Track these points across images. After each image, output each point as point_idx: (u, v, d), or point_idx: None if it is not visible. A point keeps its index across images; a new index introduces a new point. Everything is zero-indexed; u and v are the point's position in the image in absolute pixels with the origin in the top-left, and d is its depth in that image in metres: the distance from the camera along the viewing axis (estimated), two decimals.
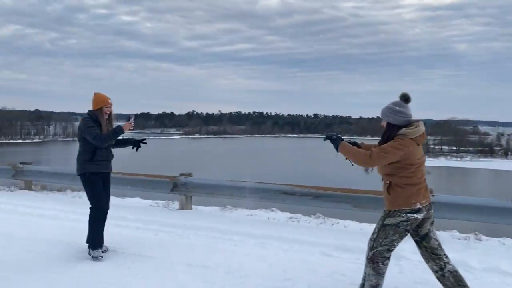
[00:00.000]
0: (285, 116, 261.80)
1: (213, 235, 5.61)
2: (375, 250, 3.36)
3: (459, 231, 6.04)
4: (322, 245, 5.18)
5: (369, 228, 5.90)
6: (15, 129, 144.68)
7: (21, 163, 9.16)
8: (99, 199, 4.69)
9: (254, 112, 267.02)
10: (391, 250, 3.36)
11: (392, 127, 3.32)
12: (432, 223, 3.43)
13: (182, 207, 7.34)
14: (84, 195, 8.53)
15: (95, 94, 4.73)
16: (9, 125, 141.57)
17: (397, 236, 3.31)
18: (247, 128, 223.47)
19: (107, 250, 4.83)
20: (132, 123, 4.66)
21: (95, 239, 4.64)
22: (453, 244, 5.31)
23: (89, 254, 4.62)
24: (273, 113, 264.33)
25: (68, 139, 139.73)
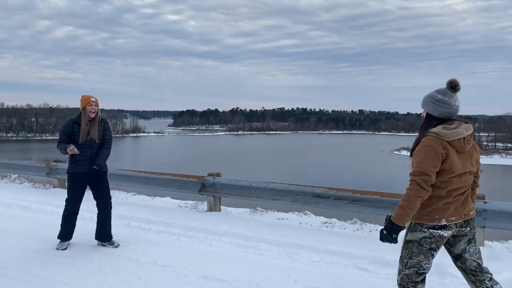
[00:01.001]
0: (329, 112, 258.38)
1: (238, 242, 5.18)
2: (402, 274, 2.77)
3: None
4: (357, 257, 4.61)
5: None
6: None
7: (54, 161, 9.18)
8: (69, 199, 4.92)
9: (297, 108, 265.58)
10: (421, 274, 2.74)
11: (431, 119, 2.71)
12: (470, 241, 2.78)
13: (210, 209, 6.98)
14: (114, 193, 8.43)
15: (82, 96, 4.88)
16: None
17: (422, 256, 2.69)
18: (291, 125, 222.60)
19: (118, 245, 4.97)
20: (74, 150, 4.72)
21: (61, 232, 4.95)
22: (510, 259, 4.57)
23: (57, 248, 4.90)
24: (317, 109, 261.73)
25: (117, 135, 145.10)
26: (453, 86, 2.69)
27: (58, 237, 4.93)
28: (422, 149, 2.61)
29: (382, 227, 2.72)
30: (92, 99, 4.78)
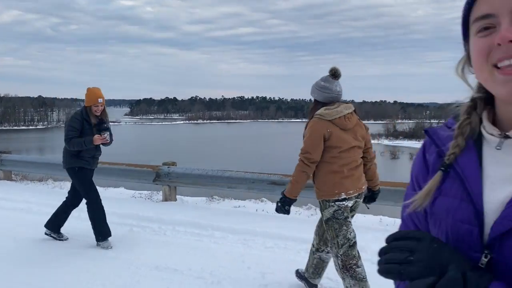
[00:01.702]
0: (288, 100, 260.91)
1: (192, 231, 5.13)
2: (341, 257, 2.99)
3: None
4: (310, 241, 4.66)
5: (376, 223, 5.41)
6: (18, 115, 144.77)
7: (0, 152, 8.70)
8: (92, 190, 4.65)
9: (257, 97, 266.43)
10: (353, 244, 3.01)
11: (317, 104, 3.06)
12: (353, 211, 3.17)
13: (165, 199, 6.87)
14: (64, 184, 8.11)
15: (88, 89, 4.62)
16: (13, 111, 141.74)
17: (344, 227, 2.98)
18: (250, 113, 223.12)
19: (67, 238, 4.79)
20: (107, 138, 4.51)
21: (102, 229, 4.59)
22: None
23: (99, 245, 4.57)
24: (277, 98, 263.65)
25: None
26: (334, 74, 3.04)
27: (104, 236, 4.58)
28: (308, 130, 2.98)
29: (286, 202, 3.12)
30: (99, 100, 4.55)
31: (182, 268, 3.92)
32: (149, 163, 7.52)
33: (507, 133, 0.82)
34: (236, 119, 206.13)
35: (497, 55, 0.75)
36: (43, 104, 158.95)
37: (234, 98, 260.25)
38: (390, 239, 0.85)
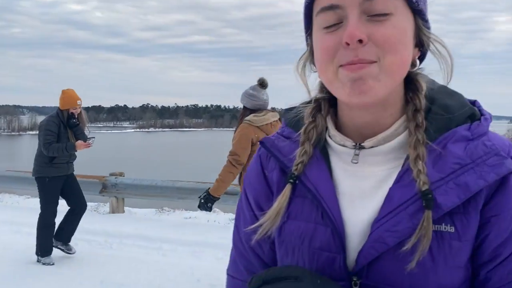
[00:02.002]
0: None
1: (140, 243, 4.99)
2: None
3: None
4: None
5: None
6: None
7: None
8: (51, 203, 4.41)
9: (211, 105, 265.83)
10: None
11: (246, 110, 3.26)
12: None
13: (112, 210, 6.65)
14: (4, 197, 7.66)
15: (63, 92, 4.42)
16: None
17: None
18: (205, 122, 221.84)
19: (75, 252, 4.53)
20: (90, 145, 4.40)
21: (45, 245, 4.36)
22: None
23: (39, 261, 4.32)
24: (231, 107, 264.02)
25: (13, 133, 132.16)
26: (261, 84, 3.30)
27: (45, 253, 4.33)
28: (237, 134, 3.21)
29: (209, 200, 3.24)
30: (78, 102, 4.36)
31: (129, 282, 3.80)
32: (96, 173, 7.25)
33: (362, 144, 0.71)
34: (189, 128, 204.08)
35: (346, 57, 0.64)
36: None
37: (187, 106, 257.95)
38: (259, 283, 0.69)
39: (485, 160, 0.65)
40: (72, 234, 4.54)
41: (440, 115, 0.70)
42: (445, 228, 0.65)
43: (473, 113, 0.71)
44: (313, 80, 0.79)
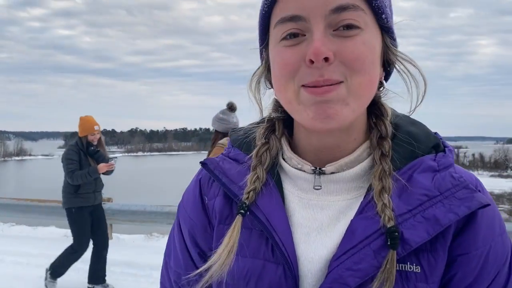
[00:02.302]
0: None
1: (129, 271, 4.90)
2: None
3: None
4: None
5: None
6: None
7: None
8: (82, 235, 4.31)
9: (200, 128, 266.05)
10: None
11: (218, 134, 3.33)
12: None
13: None
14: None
15: (80, 119, 4.39)
16: None
17: None
18: (194, 145, 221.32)
19: None
20: (113, 166, 4.34)
21: (59, 269, 4.31)
22: None
23: (46, 285, 4.29)
24: None
25: None
26: (230, 107, 3.39)
27: (55, 275, 4.31)
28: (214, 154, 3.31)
29: None
30: (95, 127, 4.31)
31: None
32: None
33: (322, 169, 0.64)
34: (178, 151, 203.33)
35: (309, 77, 0.56)
36: None
37: (176, 129, 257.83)
38: None
39: (453, 192, 0.59)
40: (104, 272, 4.43)
41: (406, 143, 0.64)
42: (410, 268, 0.58)
43: (437, 143, 0.65)
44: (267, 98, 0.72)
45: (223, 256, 0.62)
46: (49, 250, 5.65)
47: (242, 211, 0.63)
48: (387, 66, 0.65)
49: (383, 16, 0.60)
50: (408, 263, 0.58)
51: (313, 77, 0.56)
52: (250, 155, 0.68)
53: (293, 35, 0.58)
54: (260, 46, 0.67)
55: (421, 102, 0.65)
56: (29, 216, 7.23)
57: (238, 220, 0.63)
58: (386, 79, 0.67)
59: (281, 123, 0.70)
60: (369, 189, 0.61)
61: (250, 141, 0.70)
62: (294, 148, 0.68)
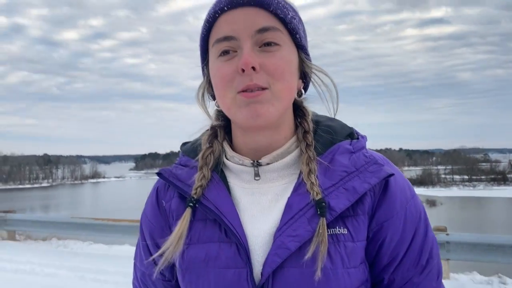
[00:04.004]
0: None
1: None
2: None
3: (479, 273, 5.32)
4: None
5: None
6: (23, 174, 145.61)
7: (3, 211, 8.61)
8: None
9: None
10: None
11: None
12: None
13: None
14: (68, 243, 7.96)
15: None
16: (18, 170, 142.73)
17: None
18: None
19: None
20: None
21: None
22: None
23: None
24: None
25: (76, 182, 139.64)
26: None
27: None
28: None
29: None
30: None
31: None
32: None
33: (259, 161, 0.77)
34: None
35: (242, 83, 0.71)
36: (48, 162, 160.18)
37: None
38: None
39: (366, 168, 0.75)
40: None
41: (325, 134, 0.80)
42: (339, 231, 0.71)
43: (351, 133, 0.81)
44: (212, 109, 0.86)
45: (173, 243, 0.74)
46: (124, 268, 5.87)
47: (191, 204, 0.76)
48: (304, 78, 0.81)
49: (297, 36, 0.76)
50: (337, 227, 0.71)
51: (244, 83, 0.70)
52: (197, 158, 0.81)
53: (227, 52, 0.73)
54: (202, 64, 0.82)
55: (337, 105, 0.82)
56: (106, 235, 7.60)
57: (187, 212, 0.76)
58: (305, 88, 0.83)
59: (223, 130, 0.84)
60: (300, 174, 0.75)
61: (197, 147, 0.84)
62: (234, 149, 0.81)
